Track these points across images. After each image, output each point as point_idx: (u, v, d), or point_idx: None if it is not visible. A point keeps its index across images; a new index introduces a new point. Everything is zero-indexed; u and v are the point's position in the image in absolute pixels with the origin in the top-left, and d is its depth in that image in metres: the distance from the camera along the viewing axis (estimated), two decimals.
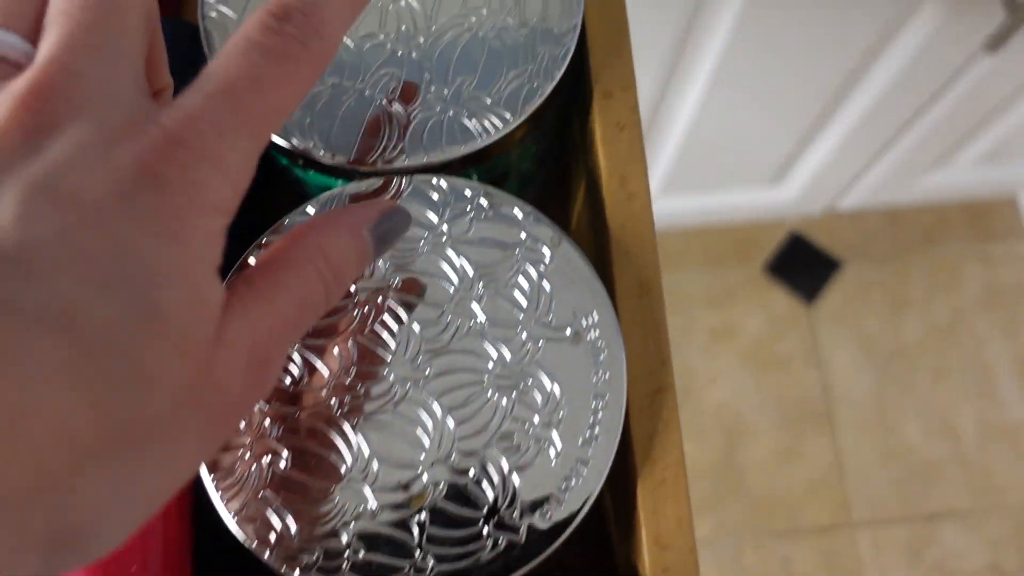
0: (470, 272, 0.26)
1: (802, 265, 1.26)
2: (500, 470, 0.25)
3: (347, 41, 0.28)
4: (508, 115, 0.27)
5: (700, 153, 0.93)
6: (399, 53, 0.28)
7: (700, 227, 1.24)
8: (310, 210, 0.26)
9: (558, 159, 0.35)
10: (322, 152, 0.27)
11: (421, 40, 0.28)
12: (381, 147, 0.27)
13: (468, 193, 0.27)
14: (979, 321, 1.24)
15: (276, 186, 0.31)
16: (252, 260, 0.26)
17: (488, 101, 0.27)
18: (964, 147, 0.99)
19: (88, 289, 0.15)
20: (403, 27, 0.28)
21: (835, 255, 1.26)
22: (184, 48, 0.31)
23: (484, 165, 0.29)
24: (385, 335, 0.26)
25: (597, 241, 0.28)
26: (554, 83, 0.27)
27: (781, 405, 1.22)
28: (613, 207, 0.27)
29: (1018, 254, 1.27)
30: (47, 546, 0.15)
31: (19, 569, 0.14)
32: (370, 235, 0.22)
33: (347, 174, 0.28)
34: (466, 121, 0.27)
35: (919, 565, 1.16)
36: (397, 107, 0.27)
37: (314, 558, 0.24)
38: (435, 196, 0.27)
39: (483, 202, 0.27)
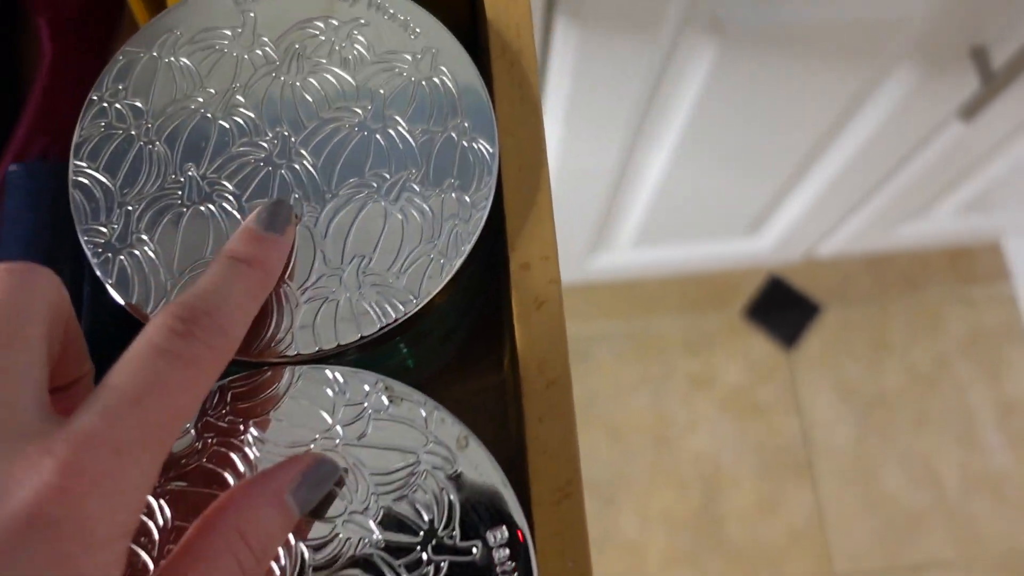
0: (368, 483, 0.23)
1: (781, 309, 1.24)
2: None
3: (231, 210, 0.25)
4: (411, 297, 0.24)
5: (672, 206, 0.91)
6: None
7: (677, 273, 1.21)
8: None
9: (487, 294, 0.33)
10: None
11: (316, 209, 0.25)
12: (268, 333, 0.24)
13: (366, 388, 0.24)
14: (962, 366, 1.22)
15: None
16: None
17: (389, 280, 0.25)
18: (943, 199, 0.97)
19: None
20: (295, 195, 0.25)
21: (815, 299, 1.24)
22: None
23: (389, 342, 0.26)
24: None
25: (516, 430, 0.25)
26: (462, 259, 0.25)
27: (761, 454, 1.19)
28: (531, 397, 0.24)
29: (1002, 296, 1.25)
30: None
31: None
32: (293, 499, 0.21)
33: (231, 363, 0.25)
34: (364, 304, 0.24)
35: None
36: (286, 287, 0.24)
37: None
38: (328, 391, 0.24)
39: (383, 399, 0.24)
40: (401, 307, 0.24)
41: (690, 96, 0.68)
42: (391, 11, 0.27)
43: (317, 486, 0.22)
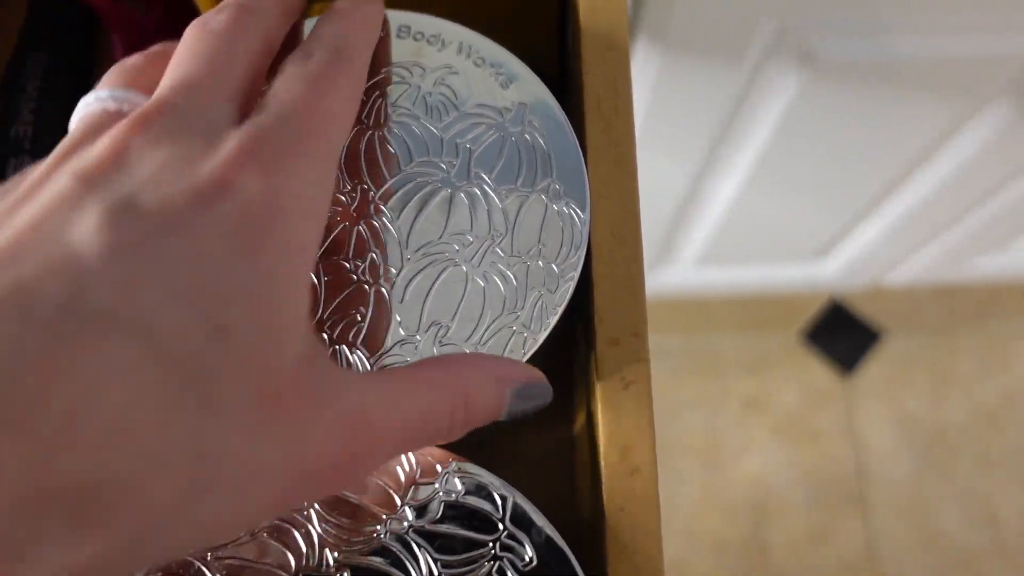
0: (434, 571, 0.22)
1: (842, 334, 1.20)
2: None
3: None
4: None
5: (739, 229, 0.88)
6: (366, 287, 0.24)
7: (738, 293, 1.19)
8: None
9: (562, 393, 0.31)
10: None
11: (394, 271, 0.24)
12: None
13: (438, 468, 0.23)
14: None
15: None
16: None
17: (467, 351, 0.23)
18: (1020, 236, 0.93)
19: (160, 297, 0.15)
20: (372, 256, 0.24)
21: (877, 326, 1.20)
22: None
23: None
24: None
25: (593, 524, 0.24)
26: (546, 332, 0.23)
27: (814, 482, 1.16)
28: (612, 484, 0.23)
29: None
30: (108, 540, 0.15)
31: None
32: (511, 396, 0.21)
33: None
34: None
35: None
36: (359, 354, 0.23)
37: None
38: (399, 469, 0.23)
39: (455, 481, 0.22)
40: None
41: (770, 124, 0.65)
42: (482, 57, 0.25)
43: (530, 399, 0.21)
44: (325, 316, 0.23)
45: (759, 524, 1.14)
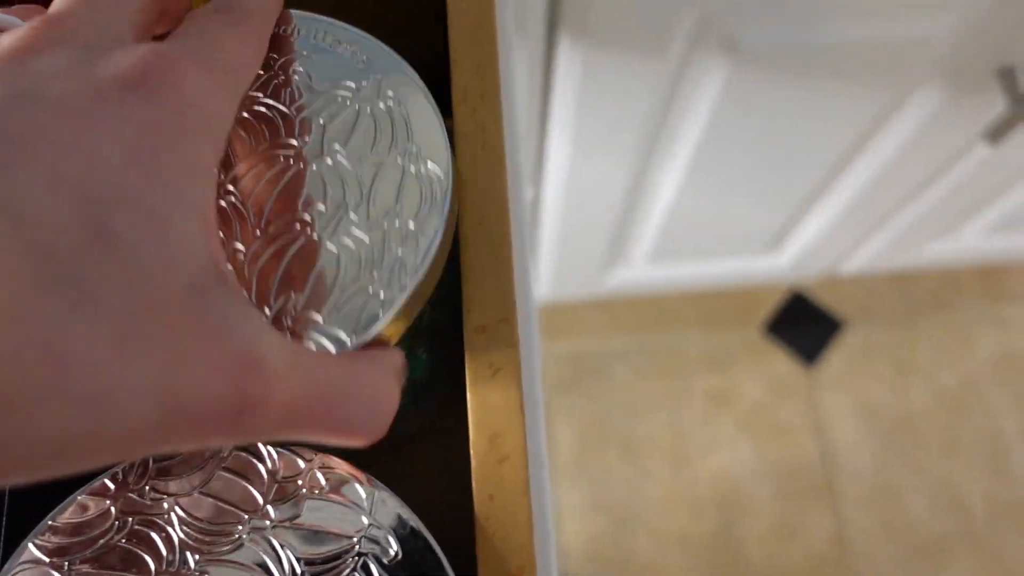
0: (297, 570, 0.21)
1: (803, 325, 1.20)
2: None
3: None
4: (344, 336, 0.22)
5: (687, 223, 0.88)
6: None
7: (696, 289, 1.19)
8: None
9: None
10: None
11: (240, 248, 0.23)
12: None
13: (301, 464, 0.22)
14: (992, 390, 1.18)
15: None
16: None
17: (322, 320, 0.22)
18: (971, 218, 0.94)
19: (41, 186, 0.15)
20: (220, 233, 0.23)
21: (838, 315, 1.21)
22: None
23: None
24: None
25: (464, 514, 0.23)
26: (407, 293, 0.22)
27: (781, 475, 1.16)
28: (481, 473, 0.22)
29: None
30: None
31: None
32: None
33: None
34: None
35: None
36: None
37: None
38: (261, 467, 0.22)
39: (319, 477, 0.22)
40: (332, 349, 0.22)
41: (703, 114, 0.65)
42: (336, 39, 0.25)
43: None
44: None
45: (728, 520, 1.14)
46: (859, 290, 1.22)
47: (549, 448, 1.16)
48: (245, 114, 0.24)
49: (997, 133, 0.64)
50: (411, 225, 0.23)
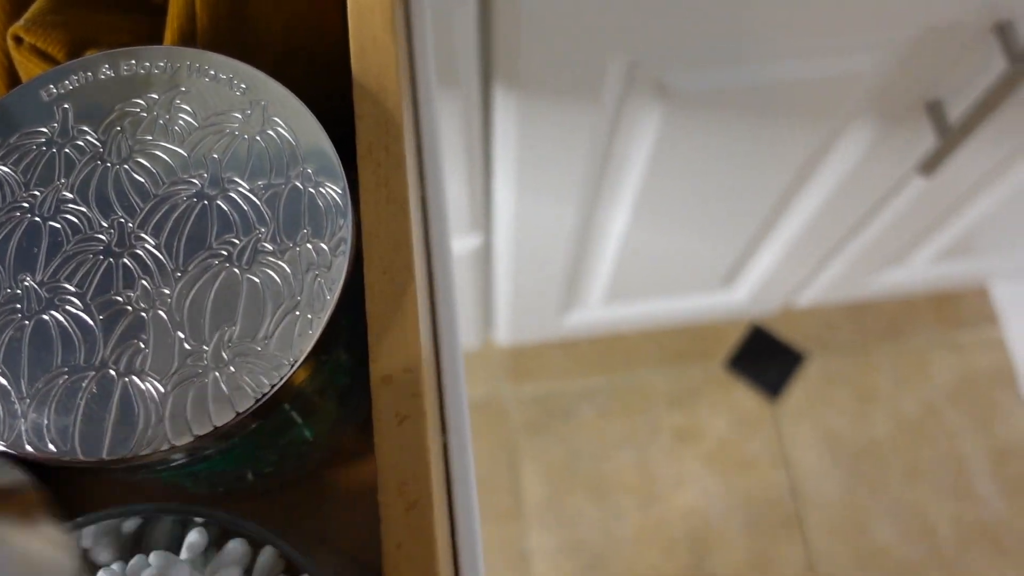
0: None
1: (765, 359, 1.22)
2: None
3: (76, 311, 0.24)
4: (284, 360, 0.23)
5: (639, 263, 0.89)
6: (143, 313, 0.24)
7: (656, 326, 1.20)
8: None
9: None
10: (66, 457, 0.23)
11: (168, 292, 0.24)
12: (137, 431, 0.23)
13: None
14: (951, 414, 1.19)
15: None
16: None
17: (258, 348, 0.23)
18: (918, 247, 0.96)
19: None
20: (143, 283, 0.24)
21: (798, 347, 1.22)
22: None
23: (279, 415, 0.24)
24: None
25: (378, 565, 0.24)
26: (330, 310, 0.23)
27: (750, 509, 1.16)
28: (389, 522, 0.23)
29: (990, 340, 1.23)
30: None
31: None
32: None
33: (105, 469, 0.23)
34: (236, 378, 0.23)
35: None
36: (149, 380, 0.23)
37: None
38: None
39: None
40: (275, 373, 0.23)
41: (643, 157, 0.67)
42: (211, 72, 0.26)
43: None
44: (108, 354, 0.23)
45: (700, 555, 1.14)
46: (816, 322, 1.23)
47: (518, 492, 1.16)
48: (141, 159, 0.25)
49: (929, 165, 0.65)
50: (323, 246, 0.24)
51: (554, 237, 0.79)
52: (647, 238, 0.82)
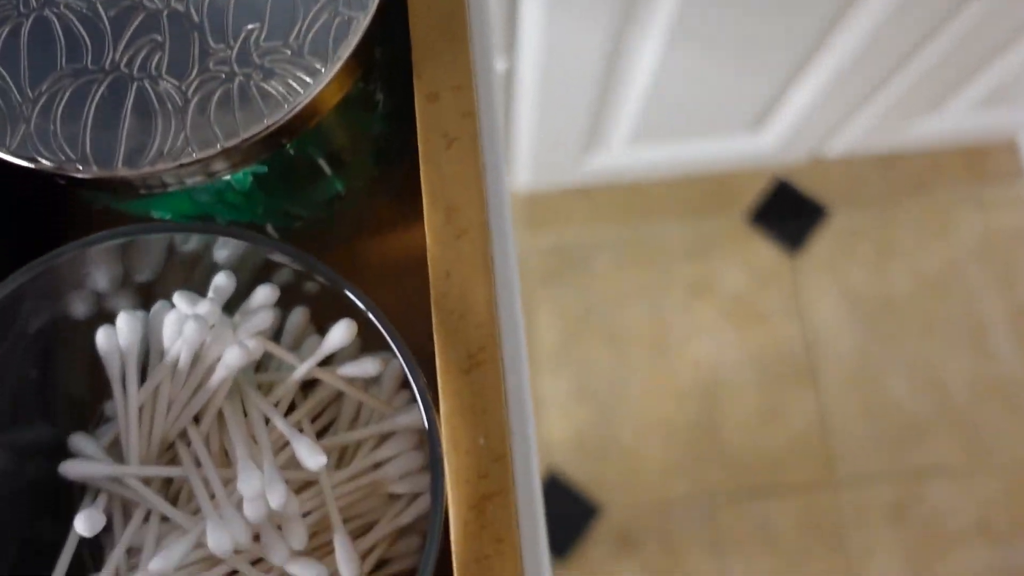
0: None
1: (786, 212, 1.19)
2: None
3: (80, 8, 0.21)
4: (318, 64, 0.20)
5: (668, 100, 0.85)
6: (157, 11, 0.21)
7: (678, 175, 1.16)
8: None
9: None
10: (78, 165, 0.20)
11: None
12: (154, 142, 0.20)
13: None
14: (973, 271, 1.17)
15: (54, 207, 0.24)
16: None
17: (288, 52, 0.20)
18: (958, 91, 0.91)
19: None
20: None
21: (821, 201, 1.19)
22: None
23: (305, 137, 0.22)
24: None
25: (422, 297, 0.22)
26: (373, 9, 0.21)
27: (763, 362, 1.16)
28: (438, 249, 0.21)
29: (1017, 198, 1.20)
30: None
31: None
32: None
33: (117, 185, 0.21)
34: (264, 84, 0.20)
35: (903, 525, 1.12)
36: (166, 85, 0.20)
37: None
38: None
39: None
40: (308, 79, 0.20)
41: None
42: None
43: None
44: (119, 56, 0.20)
45: (710, 406, 1.14)
46: (842, 175, 1.20)
47: (531, 340, 1.16)
48: None
49: None
50: None
51: (583, 65, 0.75)
52: (680, 70, 0.78)
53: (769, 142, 1.01)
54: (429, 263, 0.21)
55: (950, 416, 1.14)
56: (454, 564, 0.19)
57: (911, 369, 1.15)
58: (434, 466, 0.19)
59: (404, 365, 0.20)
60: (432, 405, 0.20)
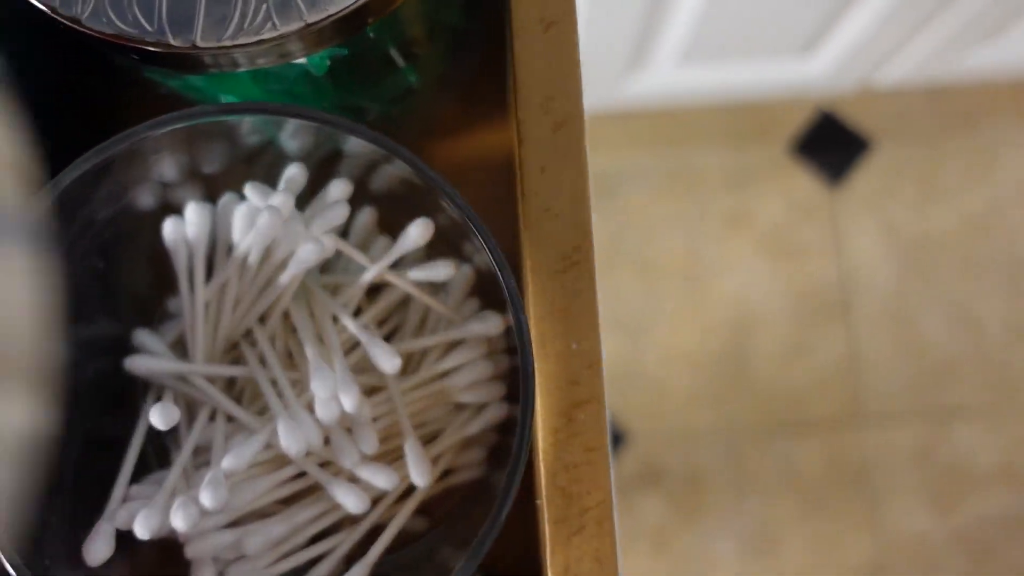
0: None
1: (830, 145, 1.16)
2: None
3: None
4: None
5: (721, 18, 0.82)
6: None
7: (720, 102, 1.13)
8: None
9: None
10: (153, 36, 0.19)
11: None
12: (236, 14, 0.19)
13: None
14: (1016, 212, 1.15)
15: (122, 87, 0.23)
16: None
17: None
18: (1019, 20, 0.88)
19: None
20: None
21: (866, 134, 1.16)
22: None
23: (387, 21, 0.21)
24: None
25: (513, 186, 0.20)
26: None
27: (796, 296, 1.14)
28: (532, 143, 0.19)
29: None
30: None
31: None
32: None
33: (195, 63, 0.20)
34: None
35: (928, 465, 1.12)
36: None
37: None
38: None
39: None
40: None
41: None
42: None
43: None
44: None
45: (740, 339, 1.13)
46: (890, 108, 1.16)
47: None
48: None
49: None
50: None
51: None
52: None
53: (819, 69, 0.98)
54: (519, 158, 0.19)
55: (982, 358, 1.12)
56: (540, 472, 0.19)
57: (947, 309, 1.13)
58: (524, 369, 0.18)
59: (493, 261, 0.19)
60: (522, 306, 0.19)
